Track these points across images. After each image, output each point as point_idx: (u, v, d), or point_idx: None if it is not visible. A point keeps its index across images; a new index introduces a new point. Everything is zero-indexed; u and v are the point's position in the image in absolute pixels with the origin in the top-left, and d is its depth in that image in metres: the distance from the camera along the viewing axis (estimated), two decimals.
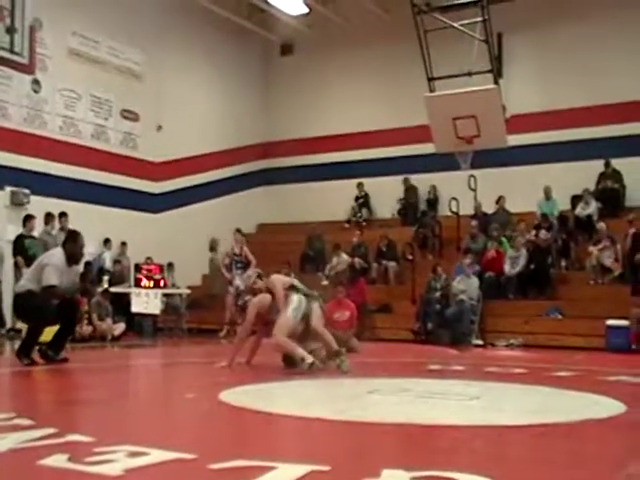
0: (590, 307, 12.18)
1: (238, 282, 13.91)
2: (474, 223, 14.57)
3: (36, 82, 13.85)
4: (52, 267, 6.93)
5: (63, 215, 13.03)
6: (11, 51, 10.41)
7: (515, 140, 13.88)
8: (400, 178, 17.27)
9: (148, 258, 14.43)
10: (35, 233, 12.56)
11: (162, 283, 13.85)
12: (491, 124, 12.56)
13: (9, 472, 2.85)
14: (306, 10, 17.05)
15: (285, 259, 14.72)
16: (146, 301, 13.24)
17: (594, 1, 15.42)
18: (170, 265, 15.13)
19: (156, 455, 3.01)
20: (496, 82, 12.75)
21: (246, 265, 13.96)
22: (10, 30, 10.29)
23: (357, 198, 17.86)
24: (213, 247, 15.35)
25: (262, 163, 19.58)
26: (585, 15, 15.48)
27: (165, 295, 14.13)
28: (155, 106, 16.45)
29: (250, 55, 19.16)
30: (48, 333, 7.19)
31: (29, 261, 11.67)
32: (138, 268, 13.86)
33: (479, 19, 12.51)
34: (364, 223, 17.35)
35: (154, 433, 3.79)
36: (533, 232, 14.01)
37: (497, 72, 13.24)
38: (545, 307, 12.78)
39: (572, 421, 4.25)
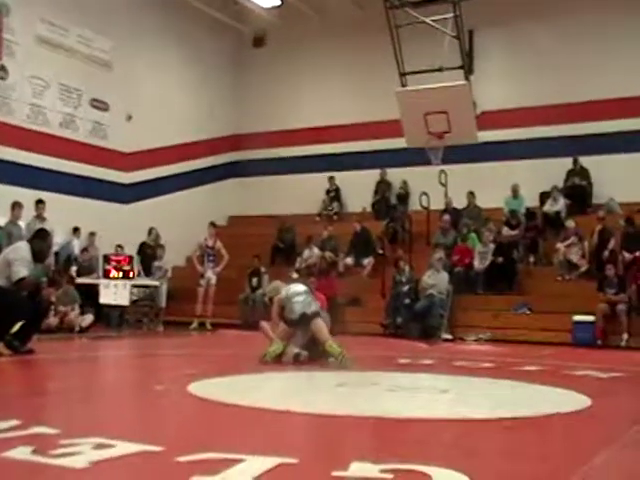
0: (557, 302, 12.32)
1: (209, 274, 13.89)
2: (446, 218, 14.63)
3: (3, 68, 13.53)
4: (20, 261, 6.89)
5: (40, 202, 12.68)
6: None
7: (485, 136, 13.92)
8: (371, 172, 17.25)
9: (119, 246, 14.22)
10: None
11: (131, 274, 13.68)
12: (462, 120, 12.58)
13: None
14: (278, 2, 16.94)
15: (255, 251, 14.72)
16: (115, 292, 13.07)
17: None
18: (160, 246, 14.85)
19: (122, 447, 2.97)
20: (467, 78, 12.78)
21: (217, 259, 13.95)
22: None
23: (328, 191, 17.84)
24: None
25: (233, 155, 19.42)
26: (555, 13, 15.55)
27: (136, 286, 13.89)
28: (125, 96, 16.15)
29: (222, 46, 18.93)
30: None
31: None
32: (107, 259, 13.69)
33: (451, 15, 12.53)
34: (335, 216, 17.35)
35: (120, 425, 3.74)
36: (505, 228, 14.17)
37: (468, 68, 13.27)
38: (514, 302, 12.88)
39: (540, 414, 4.29)
